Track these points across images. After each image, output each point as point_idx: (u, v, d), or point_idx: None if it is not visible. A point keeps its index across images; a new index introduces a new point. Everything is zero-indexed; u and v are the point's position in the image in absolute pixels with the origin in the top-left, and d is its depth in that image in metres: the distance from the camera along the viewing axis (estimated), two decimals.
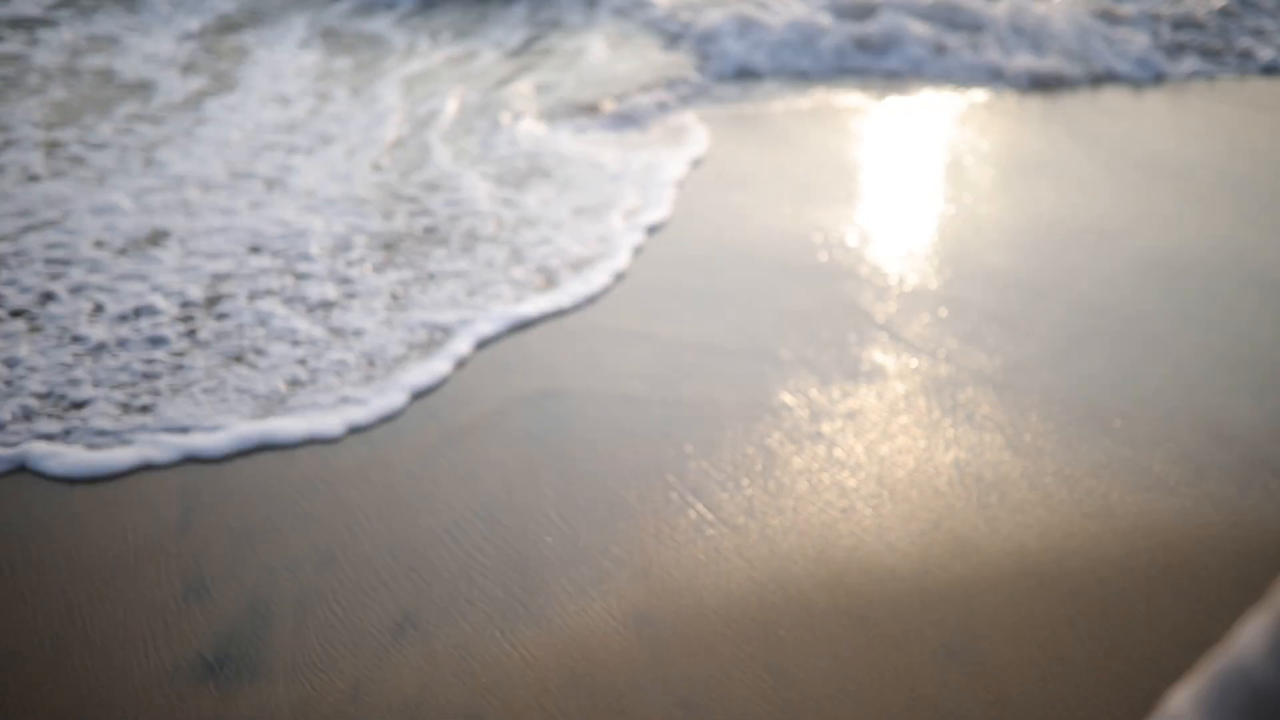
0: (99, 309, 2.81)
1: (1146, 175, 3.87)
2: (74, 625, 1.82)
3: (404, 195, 3.52)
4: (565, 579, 1.93)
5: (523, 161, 3.83)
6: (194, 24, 5.48)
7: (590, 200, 3.52)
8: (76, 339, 2.67)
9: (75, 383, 2.50)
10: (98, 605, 1.86)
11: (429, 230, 3.29)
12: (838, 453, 2.29)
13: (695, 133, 4.17)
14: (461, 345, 2.68)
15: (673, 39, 5.31)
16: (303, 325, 2.76)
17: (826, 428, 2.37)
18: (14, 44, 5.06)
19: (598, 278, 3.02)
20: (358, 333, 2.74)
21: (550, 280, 3.01)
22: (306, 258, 3.11)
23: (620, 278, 3.04)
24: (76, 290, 2.89)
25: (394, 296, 2.91)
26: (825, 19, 5.25)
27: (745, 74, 4.87)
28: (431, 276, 3.03)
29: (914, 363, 2.63)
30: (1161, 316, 2.88)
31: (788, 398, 2.47)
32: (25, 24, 5.33)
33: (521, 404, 2.45)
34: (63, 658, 1.75)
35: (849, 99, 4.69)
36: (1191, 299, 2.97)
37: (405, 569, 1.95)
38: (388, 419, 2.39)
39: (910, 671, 1.75)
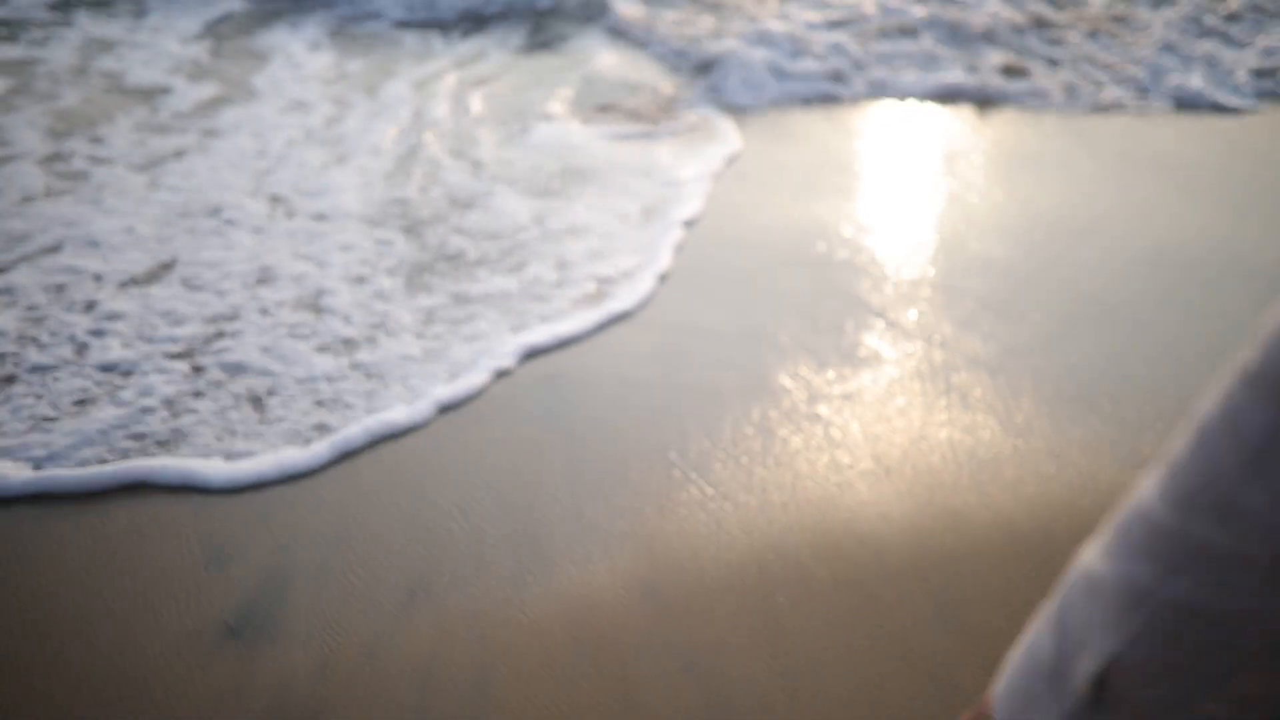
0: (84, 349, 2.60)
1: (1147, 175, 3.94)
2: (97, 596, 1.89)
3: (433, 207, 3.46)
4: (572, 550, 2.00)
5: (555, 166, 3.84)
6: (201, 25, 5.51)
7: (634, 205, 3.53)
8: (66, 385, 2.47)
9: (70, 435, 2.32)
10: (119, 578, 1.93)
11: (462, 246, 3.19)
12: (834, 432, 2.36)
13: (725, 130, 4.27)
14: (502, 362, 2.61)
15: (676, 53, 5.33)
16: (323, 364, 2.58)
17: (824, 408, 2.44)
18: (18, 47, 5.06)
19: (643, 283, 2.98)
20: (383, 376, 2.55)
21: (599, 293, 2.93)
22: (328, 284, 2.93)
23: (664, 279, 3.05)
24: (65, 329, 2.68)
25: (427, 324, 2.76)
26: (854, 45, 5.29)
27: (752, 82, 4.94)
28: (469, 299, 2.88)
29: (910, 347, 2.70)
30: (1153, 307, 2.95)
31: (786, 380, 2.55)
32: (28, 26, 5.39)
33: (529, 387, 2.52)
34: (87, 627, 1.82)
35: (870, 106, 4.77)
36: (1184, 291, 3.04)
37: (417, 541, 2.02)
38: (414, 429, 2.39)
39: (903, 635, 1.81)
